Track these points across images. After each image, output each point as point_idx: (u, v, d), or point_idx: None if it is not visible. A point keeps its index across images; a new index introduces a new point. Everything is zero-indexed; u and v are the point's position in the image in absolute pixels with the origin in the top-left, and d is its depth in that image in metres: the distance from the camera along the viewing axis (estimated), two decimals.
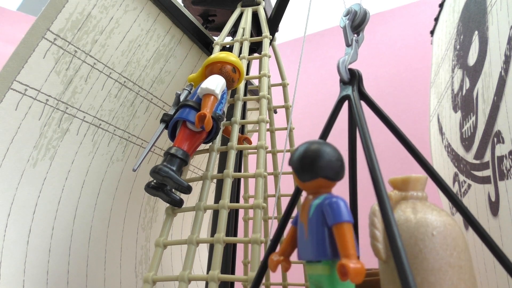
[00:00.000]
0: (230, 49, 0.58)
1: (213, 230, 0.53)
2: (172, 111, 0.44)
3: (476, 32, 0.50)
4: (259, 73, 0.53)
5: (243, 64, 0.51)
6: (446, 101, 0.65)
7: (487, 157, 0.44)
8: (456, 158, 0.57)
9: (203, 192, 0.42)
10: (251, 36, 0.61)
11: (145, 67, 0.56)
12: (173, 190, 0.42)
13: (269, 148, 0.60)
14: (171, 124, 0.43)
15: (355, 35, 0.36)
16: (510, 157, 0.38)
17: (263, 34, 0.57)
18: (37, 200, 0.45)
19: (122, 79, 0.53)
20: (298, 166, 0.26)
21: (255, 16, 0.62)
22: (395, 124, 0.33)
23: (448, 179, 0.62)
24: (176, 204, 0.42)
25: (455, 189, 0.58)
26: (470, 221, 0.30)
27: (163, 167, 0.39)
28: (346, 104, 0.35)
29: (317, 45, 1.37)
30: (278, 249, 0.31)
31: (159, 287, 0.62)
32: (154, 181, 0.40)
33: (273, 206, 0.47)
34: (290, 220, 0.31)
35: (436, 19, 0.78)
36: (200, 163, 0.78)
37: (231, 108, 0.50)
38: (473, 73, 0.50)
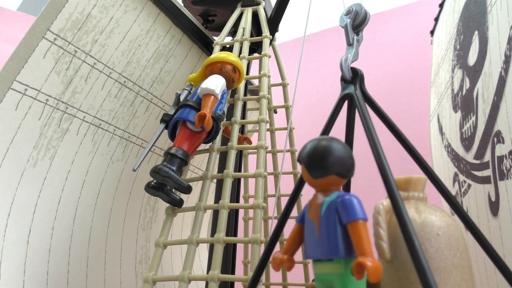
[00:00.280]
0: (230, 49, 0.58)
1: (213, 230, 0.53)
2: (172, 111, 0.44)
3: (476, 32, 0.50)
4: (259, 73, 0.53)
5: (243, 64, 0.51)
6: (446, 101, 0.65)
7: (487, 157, 0.44)
8: (456, 158, 0.57)
9: (203, 192, 0.42)
10: (251, 36, 0.61)
11: (145, 67, 0.56)
12: (173, 190, 0.42)
13: (269, 148, 0.60)
14: (171, 124, 0.43)
15: (355, 34, 0.36)
16: (510, 157, 0.38)
17: (263, 34, 0.57)
18: (37, 200, 0.45)
19: (122, 79, 0.53)
20: (310, 162, 0.25)
21: (255, 16, 0.62)
22: (395, 125, 0.33)
23: (448, 179, 0.62)
24: (176, 204, 0.42)
25: (455, 189, 0.58)
26: (467, 223, 0.30)
27: (163, 167, 0.39)
28: (345, 103, 0.35)
29: (317, 45, 1.37)
30: (277, 247, 0.30)
31: (159, 287, 0.62)
32: (154, 181, 0.40)
33: (273, 206, 0.48)
34: (290, 219, 0.31)
35: (436, 19, 0.78)
36: (200, 163, 0.78)
37: (231, 108, 0.50)
38: (473, 73, 0.50)
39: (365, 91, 0.34)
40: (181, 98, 0.45)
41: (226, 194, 0.41)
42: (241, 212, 0.64)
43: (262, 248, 0.56)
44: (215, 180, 0.58)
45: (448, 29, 0.67)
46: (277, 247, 0.56)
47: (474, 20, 0.52)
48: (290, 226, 0.29)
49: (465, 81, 0.54)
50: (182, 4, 0.63)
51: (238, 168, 0.59)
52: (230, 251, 0.53)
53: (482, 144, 0.46)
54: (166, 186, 0.41)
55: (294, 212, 0.55)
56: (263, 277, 0.57)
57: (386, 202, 0.29)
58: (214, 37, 0.63)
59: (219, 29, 0.65)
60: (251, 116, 0.84)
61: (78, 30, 0.46)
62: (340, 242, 0.23)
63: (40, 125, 0.44)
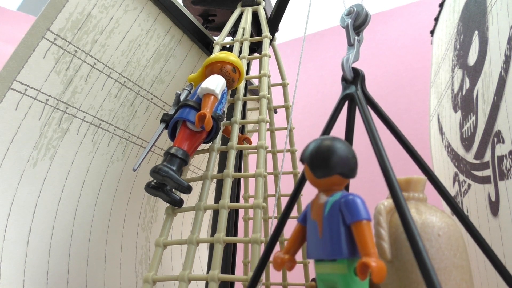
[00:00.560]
0: (230, 49, 0.58)
1: (213, 230, 0.53)
2: (172, 111, 0.44)
3: (476, 32, 0.50)
4: (259, 73, 0.53)
5: (243, 64, 0.51)
6: (446, 101, 0.65)
7: (487, 157, 0.44)
8: (456, 158, 0.57)
9: (203, 192, 0.42)
10: (251, 36, 0.61)
11: (145, 67, 0.56)
12: (173, 190, 0.42)
13: (269, 148, 0.60)
14: (171, 124, 0.43)
15: (356, 35, 0.36)
16: (510, 157, 0.38)
17: (263, 34, 0.57)
18: (37, 200, 0.45)
19: (122, 79, 0.53)
20: (314, 163, 0.25)
21: (255, 16, 0.62)
22: (395, 125, 0.33)
23: (448, 179, 0.62)
24: (176, 204, 0.42)
25: (455, 189, 0.58)
26: (465, 224, 0.31)
27: (163, 167, 0.39)
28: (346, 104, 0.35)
29: (317, 45, 1.37)
30: (277, 248, 0.30)
31: (159, 287, 0.62)
32: (154, 181, 0.40)
33: (273, 206, 0.48)
34: (290, 219, 0.31)
35: (436, 19, 0.78)
36: (200, 163, 0.78)
37: (231, 108, 0.50)
38: (473, 73, 0.50)
39: (366, 92, 0.34)
40: (181, 98, 0.45)
41: (226, 194, 0.41)
42: (241, 212, 0.64)
43: (262, 248, 0.56)
44: (215, 180, 0.58)
45: (448, 29, 0.67)
46: (277, 247, 0.56)
47: (474, 20, 0.52)
48: (290, 226, 0.29)
49: (465, 81, 0.54)
50: (182, 4, 0.63)
51: (238, 168, 0.59)
52: (230, 251, 0.53)
53: (482, 144, 0.46)
54: (166, 186, 0.41)
55: (294, 212, 0.55)
56: (263, 277, 0.57)
57: (387, 202, 0.29)
58: (214, 37, 0.63)
59: (219, 29, 0.65)
60: (251, 116, 0.84)
61: (78, 30, 0.46)
62: (344, 243, 0.23)
63: (40, 125, 0.44)
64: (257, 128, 0.49)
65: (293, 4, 0.65)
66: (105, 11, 0.48)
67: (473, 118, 0.49)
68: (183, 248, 0.75)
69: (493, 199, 0.42)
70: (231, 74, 0.47)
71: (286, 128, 0.57)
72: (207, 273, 0.37)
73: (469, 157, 0.51)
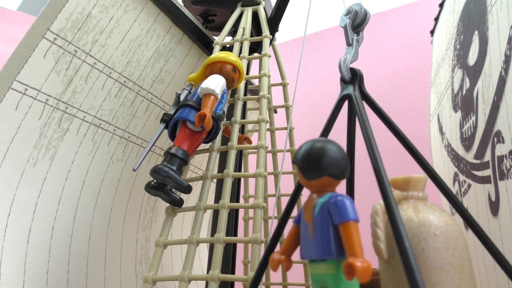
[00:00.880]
0: (230, 49, 0.58)
1: (213, 230, 0.53)
2: (172, 110, 0.44)
3: (476, 32, 0.50)
4: (259, 73, 0.53)
5: (243, 64, 0.51)
6: (446, 101, 0.65)
7: (487, 156, 0.44)
8: (456, 158, 0.57)
9: (203, 192, 0.42)
10: (251, 36, 0.61)
11: (145, 67, 0.56)
12: (173, 190, 0.42)
13: (269, 148, 0.60)
14: (171, 123, 0.43)
15: (355, 35, 0.36)
16: (510, 156, 0.38)
17: (263, 34, 0.57)
18: (37, 200, 0.45)
19: (122, 79, 0.53)
20: (304, 165, 0.25)
21: (255, 16, 0.62)
22: (395, 124, 0.33)
23: (448, 179, 0.62)
24: (176, 204, 0.42)
25: (455, 189, 0.58)
26: (468, 221, 0.30)
27: (163, 167, 0.39)
28: (345, 104, 0.35)
29: (317, 45, 1.37)
30: (277, 248, 0.30)
31: (159, 287, 0.62)
32: (154, 180, 0.40)
33: (273, 206, 0.47)
34: (291, 219, 0.31)
35: (436, 19, 0.78)
36: (200, 163, 0.78)
37: (231, 108, 0.50)
38: (473, 73, 0.50)
39: (365, 91, 0.34)
40: (181, 98, 0.45)
41: (226, 194, 0.41)
42: (241, 212, 0.64)
43: (262, 248, 0.56)
44: (215, 180, 0.58)
45: (448, 29, 0.67)
46: (278, 248, 0.56)
47: (474, 20, 0.51)
48: (290, 226, 0.29)
49: (465, 81, 0.54)
50: (182, 4, 0.63)
51: (238, 168, 0.59)
52: (230, 251, 0.53)
53: (482, 144, 0.46)
54: (166, 186, 0.41)
55: (295, 213, 0.55)
56: (263, 277, 0.57)
57: (381, 202, 0.29)
58: (214, 37, 0.63)
59: (219, 29, 0.65)
60: (251, 116, 0.84)
61: (78, 30, 0.46)
62: (333, 243, 0.24)
63: (40, 125, 0.44)
64: (257, 128, 0.49)
65: (293, 4, 0.65)
66: (105, 11, 0.48)
67: (473, 118, 0.49)
68: (183, 248, 0.75)
69: (493, 199, 0.42)
70: (231, 74, 0.47)
71: (286, 128, 0.57)
72: (207, 273, 0.37)
73: (469, 157, 0.51)
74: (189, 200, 0.71)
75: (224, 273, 0.45)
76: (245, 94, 0.56)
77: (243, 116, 0.60)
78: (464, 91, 0.54)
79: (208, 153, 0.45)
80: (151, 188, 0.40)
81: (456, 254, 0.26)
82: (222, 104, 0.45)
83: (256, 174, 0.43)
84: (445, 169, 0.65)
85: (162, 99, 0.61)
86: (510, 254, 0.38)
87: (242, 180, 0.62)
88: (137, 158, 0.59)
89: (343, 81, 0.34)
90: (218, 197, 0.56)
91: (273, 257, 0.28)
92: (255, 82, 0.76)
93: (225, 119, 0.47)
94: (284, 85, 0.63)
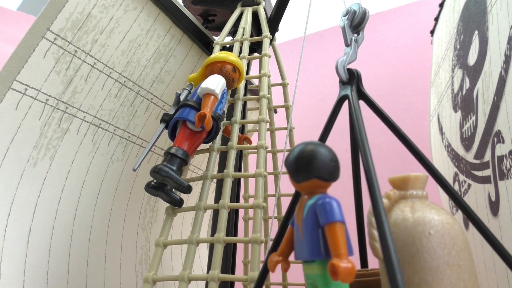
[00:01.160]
0: (230, 49, 0.58)
1: (213, 230, 0.53)
2: (172, 110, 0.44)
3: (476, 32, 0.50)
4: (259, 73, 0.53)
5: (243, 64, 0.51)
6: (446, 100, 0.65)
7: (487, 156, 0.44)
8: (456, 158, 0.57)
9: (203, 192, 0.42)
10: (251, 36, 0.61)
11: (145, 67, 0.56)
12: (173, 189, 0.42)
13: (269, 148, 0.60)
14: (171, 123, 0.43)
15: (355, 34, 0.36)
16: (510, 156, 0.38)
17: (263, 34, 0.57)
18: (37, 200, 0.45)
19: (122, 79, 0.53)
20: (293, 167, 0.26)
21: (255, 16, 0.62)
22: (395, 123, 0.33)
23: (448, 179, 0.62)
24: (176, 204, 0.42)
25: (455, 189, 0.58)
26: (470, 216, 0.30)
27: (163, 167, 0.39)
28: (347, 104, 0.35)
29: (317, 45, 1.37)
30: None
31: (159, 287, 0.62)
32: (154, 180, 0.40)
33: (273, 206, 0.47)
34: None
35: (436, 19, 0.78)
36: (200, 163, 0.78)
37: (231, 108, 0.50)
38: (473, 73, 0.50)
39: (363, 91, 0.34)
40: (181, 98, 0.45)
41: (226, 194, 0.41)
42: (241, 212, 0.64)
43: (262, 248, 0.56)
44: (215, 180, 0.58)
45: (448, 29, 0.67)
46: None
47: (474, 20, 0.52)
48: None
49: (465, 81, 0.54)
50: (182, 4, 0.63)
51: (238, 168, 0.59)
52: (230, 251, 0.53)
53: (482, 144, 0.46)
54: (166, 186, 0.41)
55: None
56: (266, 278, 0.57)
57: (371, 203, 0.29)
58: (214, 37, 0.63)
59: (219, 29, 0.65)
60: (251, 116, 0.84)
61: (78, 30, 0.46)
62: (321, 244, 0.24)
63: (40, 125, 0.44)
64: (257, 128, 0.49)
65: (293, 4, 0.65)
66: (105, 11, 0.48)
67: (473, 118, 0.49)
68: (183, 248, 0.75)
69: (493, 199, 0.42)
70: (231, 74, 0.47)
71: (286, 128, 0.57)
72: (207, 273, 0.37)
73: (469, 157, 0.51)
74: (189, 200, 0.71)
75: (224, 273, 0.45)
76: (245, 94, 0.56)
77: (243, 116, 0.60)
78: (464, 91, 0.54)
79: (208, 153, 0.45)
80: (151, 188, 0.40)
81: (453, 253, 0.26)
82: (222, 104, 0.45)
83: (256, 174, 0.43)
84: (445, 169, 0.65)
85: (162, 99, 0.61)
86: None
87: (242, 180, 0.62)
88: (137, 158, 0.59)
89: (341, 82, 0.34)
90: (218, 197, 0.56)
91: (271, 258, 0.28)
92: (255, 82, 0.76)
93: (225, 119, 0.47)
94: (284, 85, 0.63)
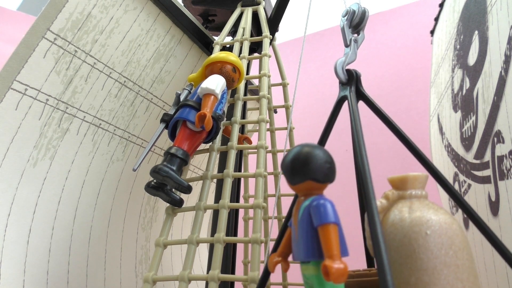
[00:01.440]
0: (230, 49, 0.58)
1: (213, 230, 0.53)
2: (172, 110, 0.44)
3: (476, 32, 0.50)
4: (259, 73, 0.53)
5: (243, 64, 0.51)
6: (446, 101, 0.65)
7: (487, 157, 0.44)
8: (456, 158, 0.57)
9: (203, 192, 0.42)
10: (251, 36, 0.61)
11: (145, 67, 0.56)
12: (173, 190, 0.42)
13: (269, 148, 0.60)
14: (171, 124, 0.43)
15: (355, 34, 0.36)
16: (510, 156, 0.38)
17: (263, 34, 0.57)
18: (37, 200, 0.45)
19: (122, 79, 0.53)
20: (288, 169, 0.26)
21: (255, 16, 0.62)
22: (395, 122, 0.33)
23: (448, 179, 0.62)
24: (176, 204, 0.42)
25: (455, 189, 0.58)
26: (470, 215, 0.30)
27: (163, 167, 0.39)
28: (347, 104, 0.35)
29: (317, 45, 1.37)
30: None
31: (159, 287, 0.62)
32: (154, 180, 0.40)
33: (273, 206, 0.47)
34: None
35: (436, 19, 0.78)
36: (200, 163, 0.78)
37: (231, 108, 0.50)
38: (473, 73, 0.50)
39: (363, 91, 0.34)
40: (181, 98, 0.45)
41: (226, 194, 0.41)
42: (241, 212, 0.64)
43: (262, 248, 0.56)
44: (215, 180, 0.58)
45: (448, 29, 0.67)
46: None
47: (474, 20, 0.52)
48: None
49: (465, 81, 0.54)
50: (182, 4, 0.63)
51: (238, 168, 0.59)
52: (230, 251, 0.53)
53: (482, 144, 0.46)
54: (166, 186, 0.41)
55: None
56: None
57: (377, 203, 0.29)
58: (214, 37, 0.63)
59: (219, 29, 0.65)
60: (251, 116, 0.84)
61: (78, 30, 0.46)
62: (315, 245, 0.24)
63: (40, 125, 0.44)
64: (257, 128, 0.49)
65: (293, 4, 0.65)
66: (105, 11, 0.48)
67: (473, 118, 0.49)
68: (183, 248, 0.75)
69: (493, 199, 0.42)
70: (231, 74, 0.47)
71: (286, 128, 0.57)
72: (207, 273, 0.37)
73: (469, 157, 0.51)
74: (189, 200, 0.71)
75: (224, 273, 0.45)
76: (245, 94, 0.56)
77: (243, 116, 0.60)
78: (464, 91, 0.54)
79: (208, 153, 0.45)
80: (151, 188, 0.40)
81: (451, 253, 0.26)
82: (222, 104, 0.45)
83: (256, 174, 0.43)
84: (445, 169, 0.65)
85: (162, 99, 0.61)
86: None
87: (242, 180, 0.62)
88: (137, 158, 0.59)
89: (341, 82, 0.34)
90: (218, 197, 0.56)
91: (271, 258, 0.28)
92: (255, 82, 0.76)
93: (225, 119, 0.47)
94: (284, 85, 0.63)
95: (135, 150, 0.59)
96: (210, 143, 0.46)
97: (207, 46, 0.63)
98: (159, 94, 0.60)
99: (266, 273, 0.31)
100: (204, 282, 0.51)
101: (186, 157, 0.40)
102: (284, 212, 0.45)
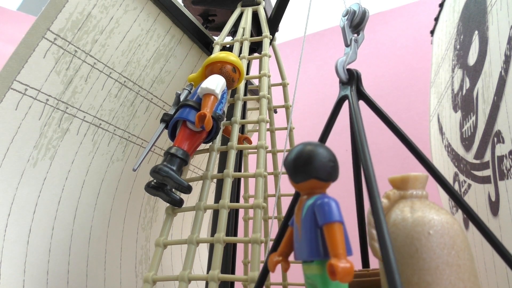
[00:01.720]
0: (230, 49, 0.58)
1: (213, 230, 0.53)
2: (172, 110, 0.44)
3: (476, 32, 0.50)
4: (259, 73, 0.53)
5: (243, 64, 0.51)
6: (446, 101, 0.65)
7: (487, 157, 0.44)
8: (456, 158, 0.57)
9: (203, 192, 0.42)
10: (251, 36, 0.61)
11: (145, 67, 0.56)
12: (173, 190, 0.42)
13: (269, 148, 0.60)
14: (171, 124, 0.43)
15: (355, 34, 0.36)
16: (510, 157, 0.38)
17: (263, 34, 0.57)
18: (37, 200, 0.45)
19: (122, 79, 0.53)
20: (291, 168, 0.26)
21: (255, 16, 0.62)
22: (395, 122, 0.33)
23: (448, 179, 0.62)
24: (176, 204, 0.42)
25: (455, 189, 0.58)
26: (470, 215, 0.30)
27: (163, 167, 0.39)
28: (347, 104, 0.35)
29: (317, 45, 1.37)
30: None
31: (159, 287, 0.62)
32: (154, 180, 0.40)
33: (273, 206, 0.48)
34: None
35: (436, 19, 0.78)
36: (200, 163, 0.78)
37: (231, 108, 0.50)
38: (473, 73, 0.50)
39: (363, 91, 0.34)
40: (181, 98, 0.45)
41: (226, 194, 0.41)
42: (241, 212, 0.64)
43: (262, 248, 0.56)
44: (215, 180, 0.58)
45: (448, 29, 0.67)
46: None
47: (474, 20, 0.52)
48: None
49: (465, 81, 0.54)
50: (182, 4, 0.63)
51: (238, 168, 0.59)
52: (230, 251, 0.53)
53: (482, 144, 0.46)
54: (166, 186, 0.41)
55: None
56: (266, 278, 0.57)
57: (370, 204, 0.29)
58: (214, 37, 0.63)
59: (219, 29, 0.65)
60: (251, 116, 0.84)
61: (78, 30, 0.46)
62: (320, 244, 0.24)
63: (40, 125, 0.44)
64: (257, 128, 0.49)
65: (293, 4, 0.65)
66: (105, 11, 0.48)
67: (473, 118, 0.49)
68: (183, 248, 0.75)
69: (493, 199, 0.42)
70: (231, 74, 0.47)
71: (286, 128, 0.57)
72: (207, 273, 0.37)
73: (469, 157, 0.51)
74: (189, 200, 0.71)
75: (224, 273, 0.45)
76: (245, 94, 0.56)
77: (243, 116, 0.60)
78: (464, 91, 0.54)
79: (208, 153, 0.45)
80: (151, 188, 0.40)
81: (453, 253, 0.26)
82: (222, 104, 0.45)
83: (256, 174, 0.43)
84: (445, 169, 0.65)
85: (162, 99, 0.61)
86: None
87: (242, 180, 0.62)
88: (137, 158, 0.59)
89: (341, 82, 0.34)
90: (218, 197, 0.56)
91: (271, 258, 0.28)
92: (255, 82, 0.76)
93: (225, 119, 0.47)
94: (284, 85, 0.63)
95: (135, 150, 0.59)
96: (210, 143, 0.46)
97: (207, 46, 0.63)
98: (159, 94, 0.60)
99: (264, 273, 0.30)
100: (204, 282, 0.51)
101: (186, 157, 0.40)
102: (284, 212, 0.45)
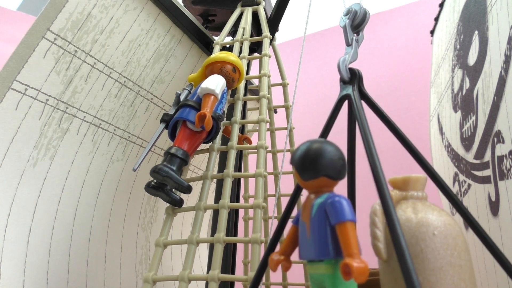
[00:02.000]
0: (230, 49, 0.58)
1: (213, 230, 0.53)
2: (172, 110, 0.44)
3: (476, 32, 0.50)
4: (259, 73, 0.53)
5: (243, 64, 0.51)
6: (446, 101, 0.65)
7: (487, 157, 0.44)
8: (456, 158, 0.57)
9: (203, 192, 0.42)
10: (251, 36, 0.61)
11: (145, 67, 0.56)
12: (173, 190, 0.42)
13: (269, 148, 0.60)
14: (171, 124, 0.43)
15: (355, 34, 0.36)
16: (510, 156, 0.38)
17: (263, 34, 0.57)
18: (37, 200, 0.45)
19: (122, 79, 0.53)
20: (300, 165, 0.25)
21: (255, 16, 0.62)
22: (395, 124, 0.33)
23: (448, 179, 0.62)
24: (176, 204, 0.42)
25: (455, 189, 0.58)
26: (469, 221, 0.30)
27: (163, 167, 0.39)
28: (346, 104, 0.35)
29: (317, 45, 1.37)
30: (278, 248, 0.30)
31: (159, 287, 0.62)
32: (154, 180, 0.40)
33: (273, 206, 0.47)
34: (291, 220, 0.31)
35: (436, 19, 0.78)
36: (200, 163, 0.78)
37: (231, 108, 0.50)
38: (473, 73, 0.50)
39: (364, 91, 0.34)
40: (181, 98, 0.45)
41: (226, 194, 0.41)
42: (241, 212, 0.64)
43: (262, 248, 0.56)
44: (215, 180, 0.58)
45: (448, 29, 0.67)
46: (278, 248, 0.56)
47: (474, 20, 0.52)
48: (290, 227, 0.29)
49: (465, 81, 0.54)
50: (182, 4, 0.63)
51: (238, 168, 0.59)
52: (230, 251, 0.53)
53: (482, 144, 0.46)
54: (166, 186, 0.41)
55: (295, 213, 0.55)
56: (263, 277, 0.57)
57: (381, 203, 0.29)
58: (214, 37, 0.63)
59: (219, 29, 0.65)
60: (251, 116, 0.84)
61: (78, 30, 0.46)
62: (330, 243, 0.24)
63: (40, 125, 0.44)
64: (257, 128, 0.49)
65: (293, 4, 0.65)
66: (105, 11, 0.48)
67: (473, 118, 0.49)
68: (183, 248, 0.75)
69: (493, 199, 0.42)
70: (231, 74, 0.47)
71: (286, 128, 0.57)
72: (207, 273, 0.37)
73: (469, 157, 0.51)
74: (189, 200, 0.71)
75: (224, 273, 0.45)
76: (245, 94, 0.56)
77: (243, 116, 0.60)
78: (464, 91, 0.54)
79: (208, 153, 0.45)
80: (151, 188, 0.40)
81: (455, 254, 0.26)
82: (222, 104, 0.45)
83: (256, 174, 0.43)
84: (445, 169, 0.65)
85: (162, 99, 0.61)
86: (510, 254, 0.38)
87: (242, 180, 0.62)
88: (137, 158, 0.59)
89: (342, 81, 0.34)
90: (218, 197, 0.56)
91: (272, 257, 0.28)
92: (255, 82, 0.76)
93: (225, 119, 0.47)
94: (284, 85, 0.63)
95: (135, 150, 0.59)
96: (210, 143, 0.46)
97: (207, 46, 0.63)
98: (159, 94, 0.60)
99: (261, 272, 0.30)
100: (204, 282, 0.51)
101: (186, 157, 0.40)
102: None
